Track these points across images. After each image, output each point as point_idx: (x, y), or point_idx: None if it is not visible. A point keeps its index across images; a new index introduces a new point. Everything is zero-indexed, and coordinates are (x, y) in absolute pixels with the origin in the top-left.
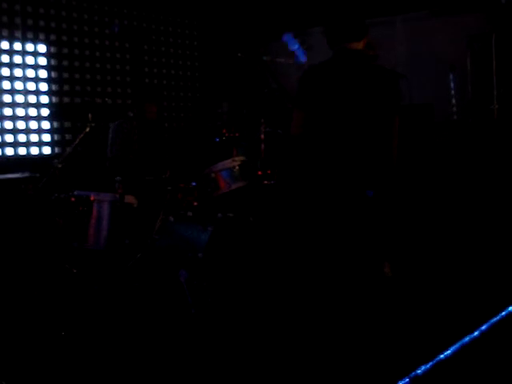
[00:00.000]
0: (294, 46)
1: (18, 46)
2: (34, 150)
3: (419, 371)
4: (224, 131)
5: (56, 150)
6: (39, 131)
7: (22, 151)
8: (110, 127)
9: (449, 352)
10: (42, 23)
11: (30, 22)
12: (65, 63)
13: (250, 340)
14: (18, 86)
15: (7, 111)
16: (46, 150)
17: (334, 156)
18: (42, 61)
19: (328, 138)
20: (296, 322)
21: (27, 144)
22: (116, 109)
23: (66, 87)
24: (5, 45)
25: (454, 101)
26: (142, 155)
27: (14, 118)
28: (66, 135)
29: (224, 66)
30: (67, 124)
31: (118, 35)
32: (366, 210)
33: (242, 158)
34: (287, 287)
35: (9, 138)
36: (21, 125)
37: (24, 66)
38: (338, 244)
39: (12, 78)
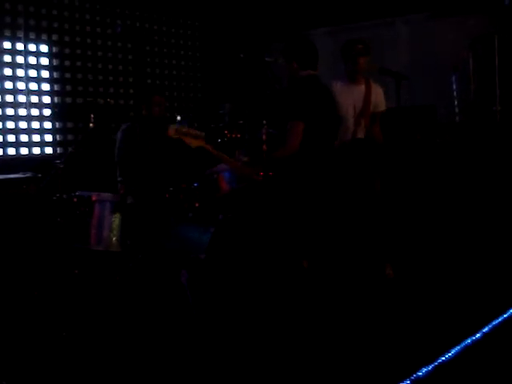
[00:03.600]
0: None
1: (20, 46)
2: (36, 150)
3: (420, 373)
4: (226, 132)
5: (58, 150)
6: (41, 131)
7: (24, 151)
8: (116, 132)
9: (450, 354)
10: (44, 23)
11: (32, 22)
12: (67, 63)
13: (251, 340)
14: (21, 86)
15: (9, 111)
16: (48, 151)
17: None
18: (45, 61)
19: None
20: (297, 322)
21: (29, 144)
22: (118, 109)
23: (68, 87)
24: (7, 45)
25: (456, 102)
26: (145, 157)
27: (16, 118)
28: (68, 135)
29: (226, 66)
30: (69, 124)
31: (120, 35)
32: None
33: (243, 159)
34: (288, 287)
35: (11, 138)
36: (23, 125)
37: (26, 66)
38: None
39: (14, 78)
